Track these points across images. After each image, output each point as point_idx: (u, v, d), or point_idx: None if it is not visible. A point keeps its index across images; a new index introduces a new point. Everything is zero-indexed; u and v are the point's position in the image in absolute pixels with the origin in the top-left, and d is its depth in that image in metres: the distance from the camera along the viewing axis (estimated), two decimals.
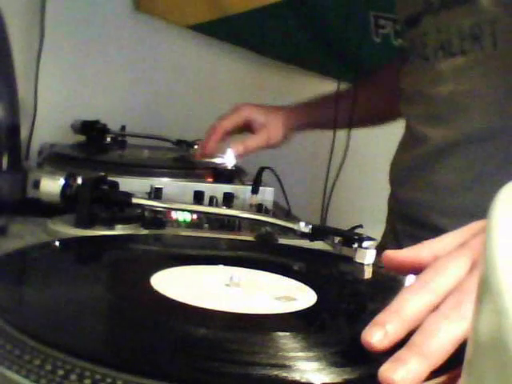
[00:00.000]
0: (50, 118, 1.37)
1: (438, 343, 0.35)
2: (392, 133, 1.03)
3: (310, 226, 0.65)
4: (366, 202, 1.53)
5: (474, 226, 0.44)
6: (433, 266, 0.40)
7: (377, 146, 1.41)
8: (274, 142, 1.08)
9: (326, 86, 1.25)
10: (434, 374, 0.35)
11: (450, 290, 0.38)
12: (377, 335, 0.37)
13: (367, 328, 0.37)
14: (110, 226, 0.67)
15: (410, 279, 0.44)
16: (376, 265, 0.60)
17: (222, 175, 0.97)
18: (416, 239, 0.45)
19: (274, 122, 1.08)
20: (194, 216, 0.77)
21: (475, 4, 0.81)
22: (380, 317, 0.38)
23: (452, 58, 0.85)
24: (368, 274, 0.59)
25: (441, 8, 0.86)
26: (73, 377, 0.33)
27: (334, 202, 1.28)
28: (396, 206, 0.98)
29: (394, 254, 0.44)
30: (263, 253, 0.67)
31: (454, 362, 0.35)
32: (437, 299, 0.38)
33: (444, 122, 0.87)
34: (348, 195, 1.49)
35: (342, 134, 1.19)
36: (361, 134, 1.23)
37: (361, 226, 0.68)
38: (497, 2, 0.80)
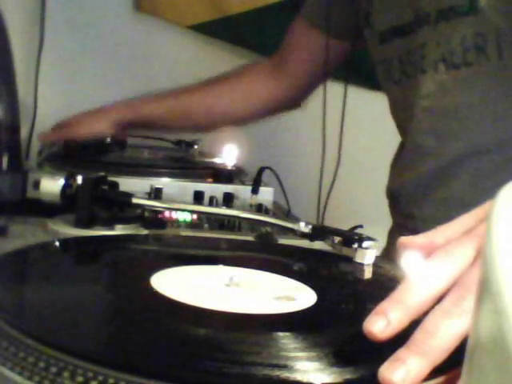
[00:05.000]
0: (50, 118, 1.37)
1: (438, 342, 0.35)
2: (387, 132, 1.02)
3: (310, 226, 0.65)
4: (365, 201, 1.53)
5: (485, 208, 0.44)
6: (437, 255, 0.40)
7: (372, 144, 1.40)
8: (84, 135, 1.10)
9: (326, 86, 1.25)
10: (434, 373, 0.35)
11: (454, 280, 0.38)
12: (379, 324, 0.36)
13: (369, 317, 0.37)
14: (110, 226, 0.67)
15: (408, 257, 0.43)
16: (376, 265, 0.60)
17: (221, 175, 0.97)
18: None
19: (86, 120, 1.12)
20: (194, 216, 0.77)
21: (478, 14, 0.80)
22: (383, 305, 0.37)
23: (455, 70, 0.83)
24: (368, 273, 0.59)
25: (439, 19, 0.84)
26: (66, 374, 0.33)
27: (333, 202, 1.28)
28: (411, 223, 0.94)
29: (408, 241, 0.44)
30: (263, 253, 0.67)
31: (454, 362, 0.35)
32: (441, 288, 0.38)
33: (451, 135, 0.86)
34: (347, 195, 1.48)
35: (334, 133, 1.18)
36: (354, 133, 1.22)
37: (361, 226, 0.68)
38: (501, 11, 0.78)
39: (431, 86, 0.87)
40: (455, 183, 0.87)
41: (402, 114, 0.95)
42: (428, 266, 0.39)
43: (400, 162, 0.97)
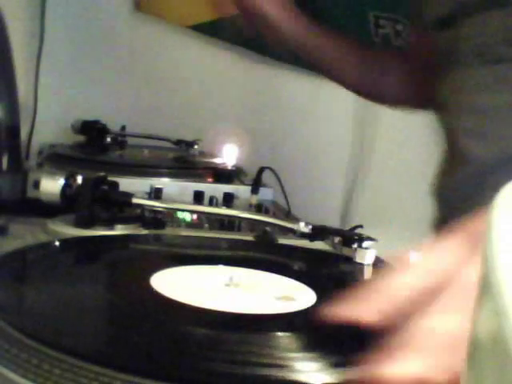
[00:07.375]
0: (50, 118, 1.37)
1: (435, 342, 0.35)
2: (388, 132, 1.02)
3: (310, 226, 0.65)
4: (364, 202, 1.52)
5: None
6: (428, 248, 0.40)
7: (394, 144, 1.40)
8: None
9: (325, 86, 1.25)
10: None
11: (445, 274, 0.38)
12: (363, 311, 0.36)
13: (353, 304, 0.37)
14: (110, 226, 0.67)
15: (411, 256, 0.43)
16: (376, 265, 0.60)
17: (221, 175, 0.97)
18: None
19: None
20: (194, 216, 0.77)
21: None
22: (366, 292, 0.37)
23: (495, 66, 0.77)
24: (368, 273, 0.59)
25: (479, 10, 0.78)
26: (67, 375, 0.33)
27: (334, 202, 1.28)
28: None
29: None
30: (263, 253, 0.67)
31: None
32: (428, 279, 0.38)
33: (488, 136, 0.79)
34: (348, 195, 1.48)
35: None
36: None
37: (361, 226, 0.68)
38: None
39: (471, 82, 0.80)
40: (491, 192, 0.80)
41: (445, 112, 0.87)
42: (417, 258, 0.40)
43: (441, 164, 0.87)
